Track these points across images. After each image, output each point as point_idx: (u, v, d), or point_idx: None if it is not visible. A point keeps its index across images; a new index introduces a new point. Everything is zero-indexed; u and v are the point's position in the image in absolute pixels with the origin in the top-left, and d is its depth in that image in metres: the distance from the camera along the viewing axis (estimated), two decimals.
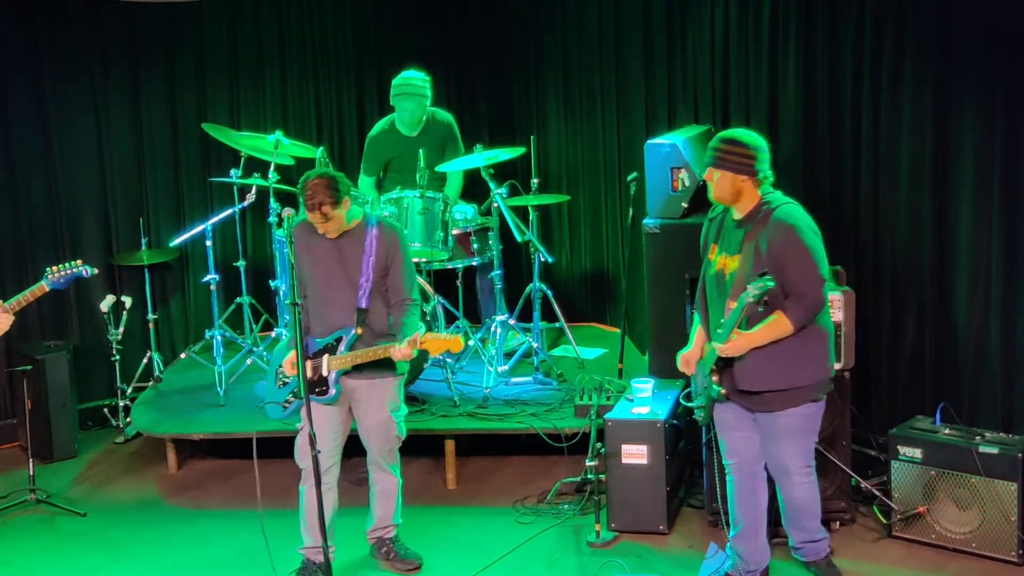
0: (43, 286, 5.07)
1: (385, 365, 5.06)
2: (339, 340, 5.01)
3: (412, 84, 6.90)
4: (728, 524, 4.94)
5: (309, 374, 4.94)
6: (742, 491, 4.83)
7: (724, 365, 4.61)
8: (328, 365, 4.99)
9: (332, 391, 5.01)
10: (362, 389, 5.08)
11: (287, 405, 5.13)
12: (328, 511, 4.89)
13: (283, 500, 5.49)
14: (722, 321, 4.53)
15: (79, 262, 5.16)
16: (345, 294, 5.01)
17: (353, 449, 5.32)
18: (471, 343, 6.88)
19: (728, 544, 4.96)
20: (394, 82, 6.96)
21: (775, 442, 4.68)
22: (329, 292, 5.03)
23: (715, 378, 4.66)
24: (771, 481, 4.84)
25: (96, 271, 5.38)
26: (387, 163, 7.12)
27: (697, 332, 4.85)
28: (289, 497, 5.24)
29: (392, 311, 5.09)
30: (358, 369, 5.01)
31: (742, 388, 4.59)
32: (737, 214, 4.62)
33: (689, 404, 4.96)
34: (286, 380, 5.14)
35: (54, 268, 5.12)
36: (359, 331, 5.00)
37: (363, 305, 5.01)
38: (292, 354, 4.96)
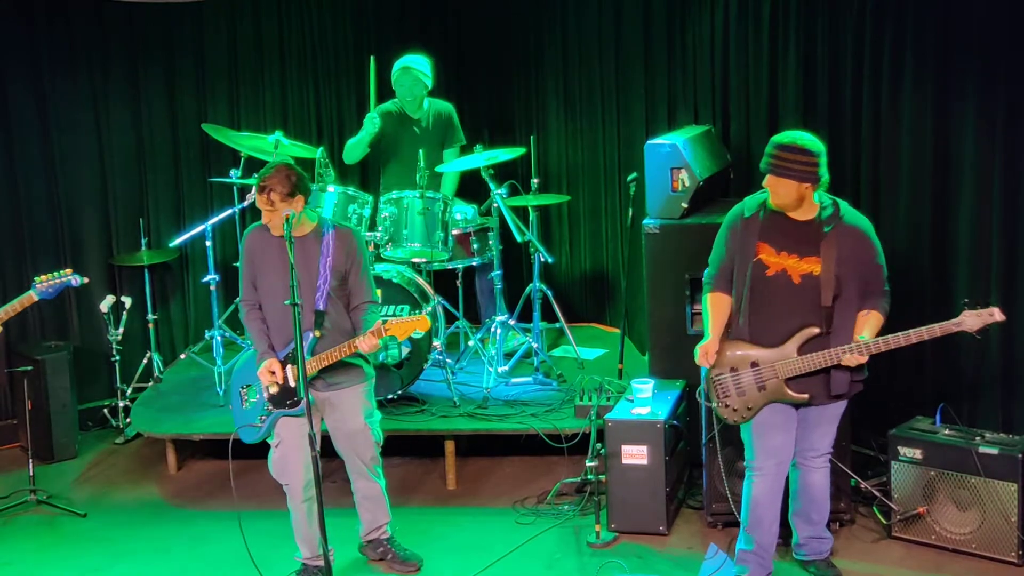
0: (31, 295, 5.04)
1: (353, 372, 5.01)
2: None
3: (404, 64, 6.94)
4: (741, 527, 4.90)
5: (274, 389, 4.92)
6: (774, 491, 4.80)
7: (806, 375, 4.62)
8: (294, 374, 4.88)
9: (302, 402, 4.81)
10: (333, 399, 5.02)
11: (263, 420, 5.02)
12: (315, 521, 4.81)
13: (279, 501, 5.48)
14: (866, 340, 4.53)
15: (68, 271, 5.11)
16: (305, 299, 4.86)
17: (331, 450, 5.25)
18: (471, 343, 6.89)
19: (743, 545, 4.90)
20: (395, 65, 7.00)
21: (817, 429, 4.76)
22: (301, 301, 4.82)
23: (790, 388, 4.63)
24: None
25: (86, 280, 5.33)
26: (386, 149, 7.09)
27: (716, 323, 4.74)
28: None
29: (352, 315, 5.01)
30: (327, 379, 4.95)
31: (836, 392, 4.64)
32: (799, 216, 4.61)
33: (711, 404, 4.83)
34: (252, 400, 5.06)
35: (43, 277, 5.09)
36: (317, 334, 4.89)
37: (320, 307, 4.90)
38: (267, 362, 4.89)
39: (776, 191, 4.57)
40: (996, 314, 4.45)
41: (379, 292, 6.19)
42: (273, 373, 4.90)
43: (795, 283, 4.58)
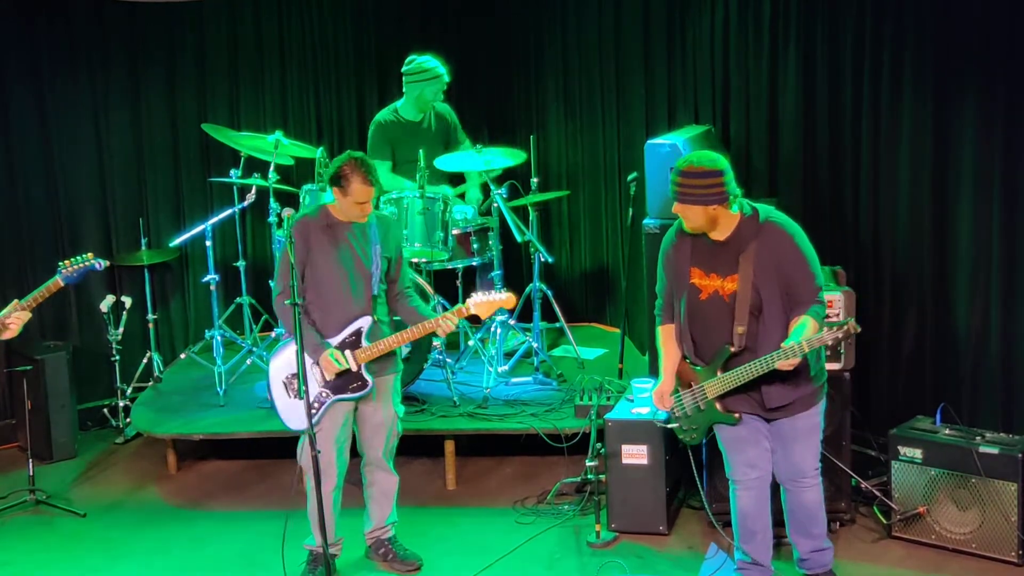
0: (58, 281, 5.10)
1: (391, 360, 5.11)
2: (357, 333, 4.99)
3: (432, 69, 6.91)
4: (735, 540, 4.88)
5: (331, 375, 4.95)
6: (760, 501, 4.76)
7: (734, 391, 4.54)
8: (357, 359, 4.98)
9: (369, 382, 5.00)
10: (374, 386, 5.08)
11: (319, 407, 4.98)
12: (335, 508, 5.01)
13: (284, 500, 5.48)
14: (792, 342, 4.32)
15: (90, 255, 5.17)
16: (360, 285, 5.02)
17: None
18: (471, 343, 6.89)
19: (740, 556, 4.88)
20: (410, 67, 6.96)
21: (793, 446, 4.64)
22: (345, 283, 4.99)
23: (719, 406, 4.59)
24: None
25: (108, 263, 5.38)
26: (392, 153, 7.10)
27: (668, 363, 4.72)
28: (289, 497, 5.21)
29: (399, 300, 5.15)
30: (367, 366, 5.02)
31: (772, 406, 4.55)
32: (718, 236, 4.51)
33: (670, 426, 4.80)
34: (303, 388, 4.88)
35: (67, 263, 5.15)
36: (375, 318, 5.04)
37: (375, 292, 5.05)
38: (326, 352, 4.92)
39: (686, 217, 4.48)
40: (850, 327, 4.33)
41: (428, 288, 6.27)
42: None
43: (726, 302, 4.50)
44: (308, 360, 4.95)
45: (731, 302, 4.47)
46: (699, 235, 4.54)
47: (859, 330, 4.35)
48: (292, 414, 5.06)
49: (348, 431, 5.11)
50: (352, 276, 5.00)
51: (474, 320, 5.72)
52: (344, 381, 5.00)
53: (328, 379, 4.99)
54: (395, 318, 5.21)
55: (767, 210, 4.53)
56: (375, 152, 7.03)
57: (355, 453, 5.23)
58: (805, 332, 4.36)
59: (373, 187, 4.92)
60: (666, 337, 4.74)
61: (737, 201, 4.46)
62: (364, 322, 5.01)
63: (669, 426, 4.81)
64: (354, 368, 4.98)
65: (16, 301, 5.04)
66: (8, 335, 5.03)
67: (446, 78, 6.96)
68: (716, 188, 4.39)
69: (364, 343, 5.00)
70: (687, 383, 4.69)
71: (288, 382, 5.08)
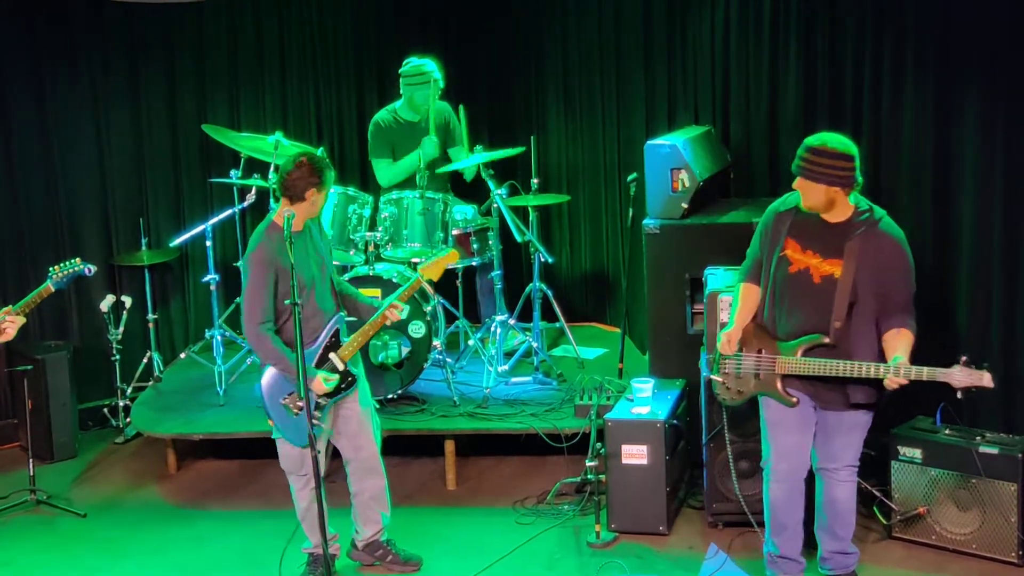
0: (48, 287, 5.14)
1: (355, 365, 5.06)
2: (335, 334, 4.95)
3: (427, 72, 6.90)
4: (766, 531, 4.86)
5: (332, 382, 4.90)
6: (793, 496, 4.75)
7: (800, 376, 4.56)
8: (341, 358, 4.95)
9: (356, 374, 5.01)
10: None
11: (318, 419, 4.88)
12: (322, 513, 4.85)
13: (282, 501, 5.48)
14: (915, 368, 4.38)
15: (78, 260, 5.19)
16: (327, 285, 5.02)
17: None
18: (471, 343, 6.89)
19: (770, 548, 4.86)
20: (405, 70, 6.95)
21: (836, 437, 4.66)
22: (317, 291, 4.94)
23: (780, 384, 4.59)
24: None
25: (95, 268, 5.40)
26: (392, 152, 7.09)
27: (742, 314, 4.71)
28: (289, 497, 5.21)
29: (340, 295, 5.13)
30: (350, 361, 5.00)
31: (855, 402, 4.56)
32: (831, 218, 4.54)
33: (714, 377, 4.78)
34: (302, 405, 4.76)
35: (56, 268, 5.18)
36: (344, 312, 5.06)
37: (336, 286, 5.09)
38: (317, 377, 4.83)
39: (806, 194, 4.52)
40: (985, 379, 4.35)
41: (428, 289, 6.19)
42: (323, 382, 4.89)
43: (815, 283, 4.53)
44: (287, 388, 4.90)
45: (821, 283, 4.50)
46: (810, 214, 4.56)
47: (992, 386, 4.37)
48: (297, 430, 4.89)
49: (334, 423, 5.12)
50: (319, 279, 4.95)
51: (433, 287, 5.65)
52: (337, 383, 4.94)
53: (318, 397, 4.89)
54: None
55: (882, 212, 4.56)
56: (376, 151, 7.03)
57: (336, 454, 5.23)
58: (906, 349, 4.39)
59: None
60: (745, 293, 4.75)
61: (856, 191, 4.51)
62: (338, 320, 4.99)
63: (713, 377, 4.79)
64: (340, 368, 4.95)
65: (9, 308, 5.07)
66: (3, 339, 5.05)
67: (440, 83, 6.94)
68: (843, 171, 4.43)
69: (343, 341, 4.98)
70: (754, 346, 4.67)
71: (287, 403, 4.87)
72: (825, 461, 4.72)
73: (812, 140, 4.52)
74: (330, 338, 4.96)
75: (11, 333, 5.06)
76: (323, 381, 4.86)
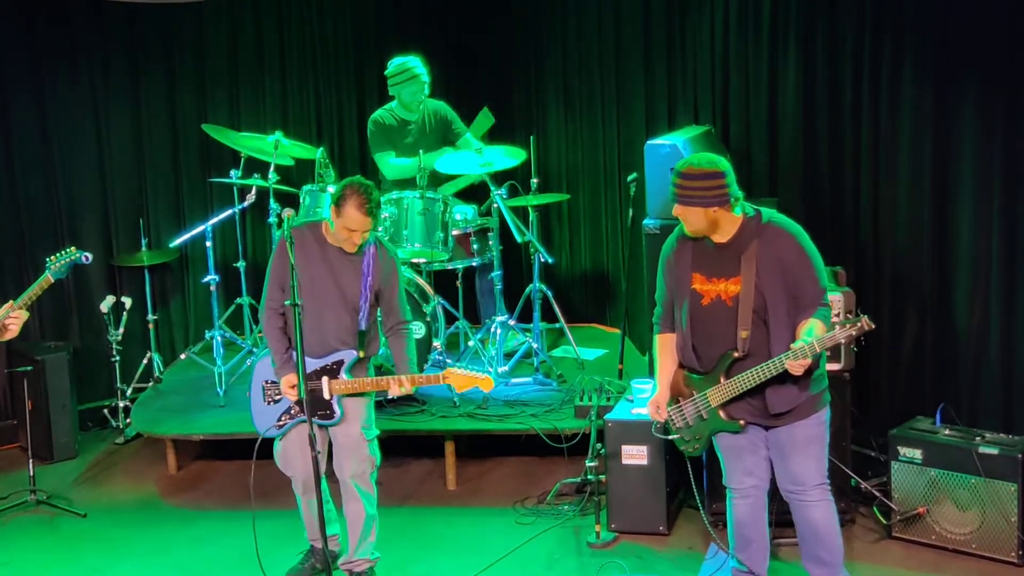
0: (48, 278, 5.13)
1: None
2: (338, 364, 4.86)
3: (409, 69, 6.91)
4: (730, 548, 4.80)
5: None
6: (757, 510, 4.66)
7: (736, 398, 4.43)
8: (330, 388, 4.85)
9: (337, 413, 4.88)
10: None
11: (281, 425, 4.95)
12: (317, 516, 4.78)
13: (283, 500, 5.49)
14: (803, 342, 4.22)
15: (74, 249, 5.17)
16: (340, 313, 4.85)
17: None
18: (471, 343, 6.89)
19: (735, 564, 4.80)
20: (389, 71, 6.97)
21: (792, 456, 4.49)
22: (323, 307, 4.84)
23: (723, 414, 4.47)
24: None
25: (92, 255, 5.38)
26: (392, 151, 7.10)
27: (664, 374, 4.61)
28: (289, 497, 5.21)
29: (390, 335, 4.98)
30: (339, 398, 4.89)
31: (776, 411, 4.41)
32: (720, 239, 4.40)
33: (670, 437, 4.67)
34: (276, 398, 4.95)
35: (53, 258, 5.18)
36: (361, 354, 4.87)
37: (363, 327, 4.87)
38: (291, 376, 4.79)
39: (687, 219, 4.39)
40: (863, 322, 4.21)
41: (428, 289, 6.21)
42: (293, 387, 4.79)
43: (729, 306, 4.39)
44: (271, 376, 4.93)
45: (734, 305, 4.38)
46: (701, 239, 4.45)
47: (873, 326, 4.25)
48: (262, 418, 4.99)
49: (324, 439, 5.02)
50: (332, 303, 4.83)
51: (434, 288, 5.66)
52: (314, 406, 4.83)
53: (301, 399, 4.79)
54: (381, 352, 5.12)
55: (769, 212, 4.44)
56: (377, 147, 7.04)
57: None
58: (815, 333, 4.27)
59: (368, 218, 4.70)
60: (663, 347, 4.64)
61: (739, 204, 4.38)
62: (348, 355, 4.85)
63: (670, 438, 4.68)
64: (327, 396, 4.86)
65: (11, 302, 5.06)
66: (9, 335, 5.04)
67: (424, 77, 6.93)
68: (716, 190, 4.30)
69: (343, 376, 4.85)
70: (684, 394, 4.57)
71: (267, 387, 4.98)
72: (788, 483, 4.55)
73: (680, 164, 4.38)
74: (331, 364, 4.86)
75: (15, 330, 5.04)
76: (287, 386, 4.82)
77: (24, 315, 5.08)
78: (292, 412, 4.94)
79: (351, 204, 4.68)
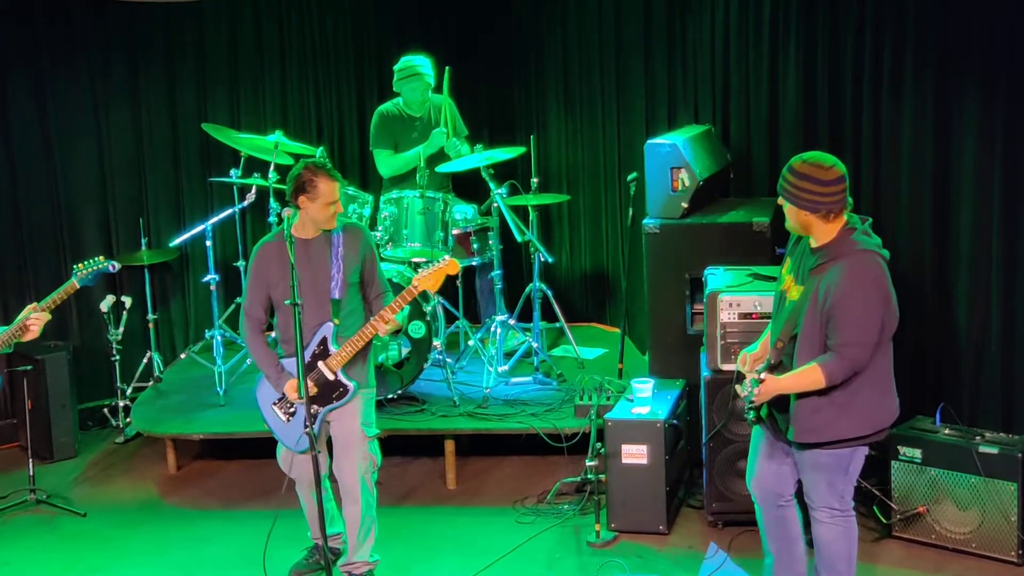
0: (74, 283, 5.20)
1: (361, 377, 4.96)
2: (323, 343, 4.87)
3: (415, 66, 6.92)
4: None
5: (313, 391, 4.82)
6: (768, 519, 4.55)
7: (778, 399, 4.28)
8: (330, 367, 4.87)
9: (350, 385, 4.88)
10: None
11: (310, 428, 4.78)
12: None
13: (284, 500, 5.48)
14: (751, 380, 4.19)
15: (102, 258, 5.26)
16: (315, 299, 4.85)
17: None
18: (471, 343, 6.89)
19: (767, 562, 4.66)
20: (397, 66, 6.99)
21: (804, 473, 4.40)
22: (308, 301, 4.81)
23: (756, 401, 4.26)
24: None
25: (119, 265, 5.43)
26: (394, 145, 7.09)
27: (766, 336, 4.49)
28: (292, 496, 5.21)
29: (375, 302, 4.99)
30: (345, 371, 4.89)
31: (799, 440, 4.25)
32: (813, 242, 4.23)
33: (740, 391, 4.37)
34: (291, 411, 4.93)
35: (81, 265, 5.24)
36: (336, 322, 4.87)
37: (337, 296, 4.87)
38: (292, 381, 4.82)
39: (786, 213, 4.30)
40: (745, 390, 4.19)
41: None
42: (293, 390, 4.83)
43: (785, 306, 4.33)
44: (275, 394, 4.93)
45: (788, 306, 4.28)
46: (803, 237, 4.31)
47: (762, 396, 4.17)
48: (289, 436, 4.94)
49: (324, 439, 5.05)
50: (308, 293, 4.82)
51: (424, 298, 5.62)
52: (326, 392, 4.87)
53: (312, 395, 4.81)
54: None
55: (863, 246, 4.18)
56: (378, 142, 7.04)
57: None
58: (780, 381, 4.16)
59: (338, 181, 4.80)
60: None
61: (842, 217, 4.17)
62: (327, 329, 4.86)
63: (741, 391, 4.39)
64: (331, 377, 4.88)
65: (33, 304, 5.11)
66: (30, 336, 5.10)
67: (428, 77, 6.94)
68: (810, 194, 4.12)
69: (332, 349, 4.86)
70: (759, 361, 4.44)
71: (278, 407, 4.97)
72: (805, 495, 4.46)
73: (795, 159, 4.23)
74: (317, 346, 4.88)
75: (36, 331, 5.09)
76: (292, 391, 4.83)
77: (46, 316, 5.14)
78: (314, 411, 4.92)
79: (321, 179, 4.77)
